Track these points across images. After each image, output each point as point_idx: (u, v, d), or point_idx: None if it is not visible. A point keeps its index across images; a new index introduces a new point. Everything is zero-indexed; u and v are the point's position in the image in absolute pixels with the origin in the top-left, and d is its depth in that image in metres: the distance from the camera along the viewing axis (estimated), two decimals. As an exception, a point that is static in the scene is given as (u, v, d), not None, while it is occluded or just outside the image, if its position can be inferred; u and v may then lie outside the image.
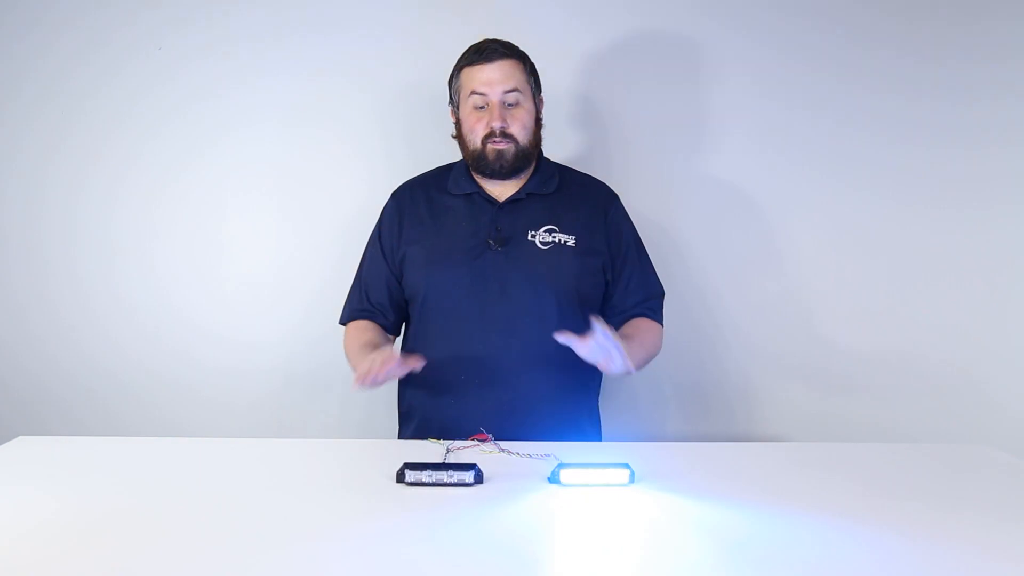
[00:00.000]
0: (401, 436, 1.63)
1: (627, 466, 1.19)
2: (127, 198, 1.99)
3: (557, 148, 1.80)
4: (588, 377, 1.61)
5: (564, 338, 1.31)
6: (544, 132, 1.61)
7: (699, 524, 1.04)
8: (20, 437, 1.39)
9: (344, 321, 1.63)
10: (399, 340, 1.66)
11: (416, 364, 1.36)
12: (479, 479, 1.16)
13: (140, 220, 1.99)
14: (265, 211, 2.00)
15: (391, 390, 1.62)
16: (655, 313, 1.62)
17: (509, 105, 1.50)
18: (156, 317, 2.01)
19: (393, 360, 1.31)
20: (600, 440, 1.64)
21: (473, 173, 1.58)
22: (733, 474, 1.24)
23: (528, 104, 1.53)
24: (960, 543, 0.99)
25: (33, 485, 1.16)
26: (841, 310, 2.01)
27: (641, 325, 1.58)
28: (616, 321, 1.61)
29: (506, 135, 1.50)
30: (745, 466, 1.28)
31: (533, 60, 1.57)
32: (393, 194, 1.65)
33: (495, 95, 1.49)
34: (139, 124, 1.96)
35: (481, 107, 1.51)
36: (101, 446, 1.36)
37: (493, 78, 1.49)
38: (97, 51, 1.94)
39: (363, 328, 1.58)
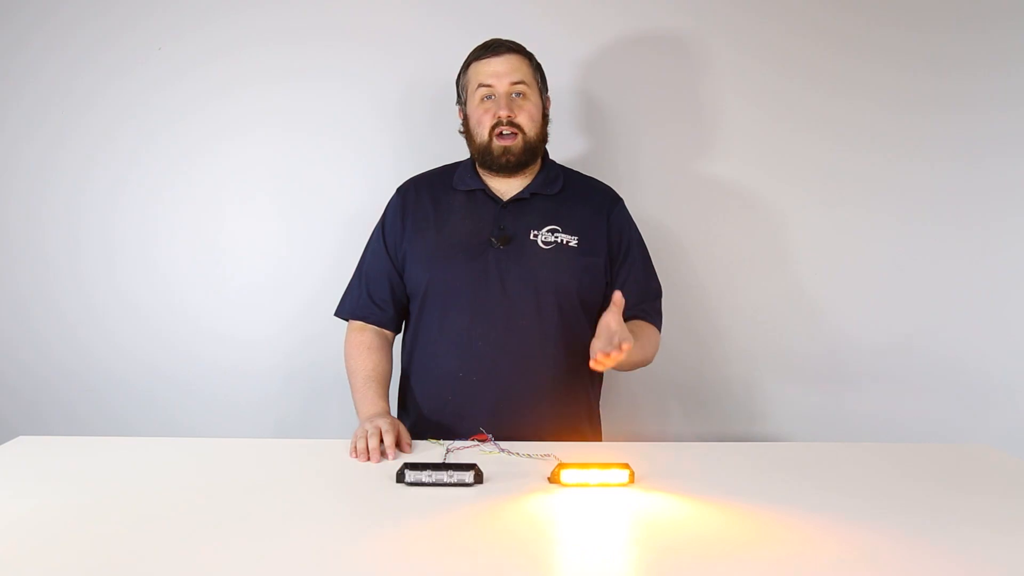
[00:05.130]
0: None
1: (627, 466, 1.19)
2: (130, 198, 2.00)
3: (560, 150, 1.80)
4: (588, 377, 1.61)
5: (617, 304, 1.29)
6: (548, 134, 1.61)
7: (699, 524, 1.04)
8: (20, 437, 1.39)
9: (345, 316, 1.63)
10: (399, 337, 1.66)
11: (405, 448, 1.34)
12: (479, 479, 1.16)
13: (142, 219, 2.00)
14: (267, 210, 2.00)
15: (392, 385, 1.62)
16: (652, 316, 1.61)
17: (516, 96, 1.51)
18: (158, 315, 2.02)
19: (391, 451, 1.29)
20: (600, 440, 1.64)
21: (479, 169, 1.58)
22: (733, 474, 1.24)
23: (535, 98, 1.54)
24: (960, 543, 0.99)
25: (33, 485, 1.16)
26: (841, 310, 2.01)
27: (643, 329, 1.57)
28: None
29: (513, 125, 1.50)
30: (745, 466, 1.28)
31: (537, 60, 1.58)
32: (398, 190, 1.65)
33: (502, 86, 1.50)
34: (141, 125, 1.97)
35: (488, 98, 1.51)
36: (101, 446, 1.36)
37: (500, 70, 1.50)
38: (101, 54, 1.96)
39: (368, 343, 1.56)
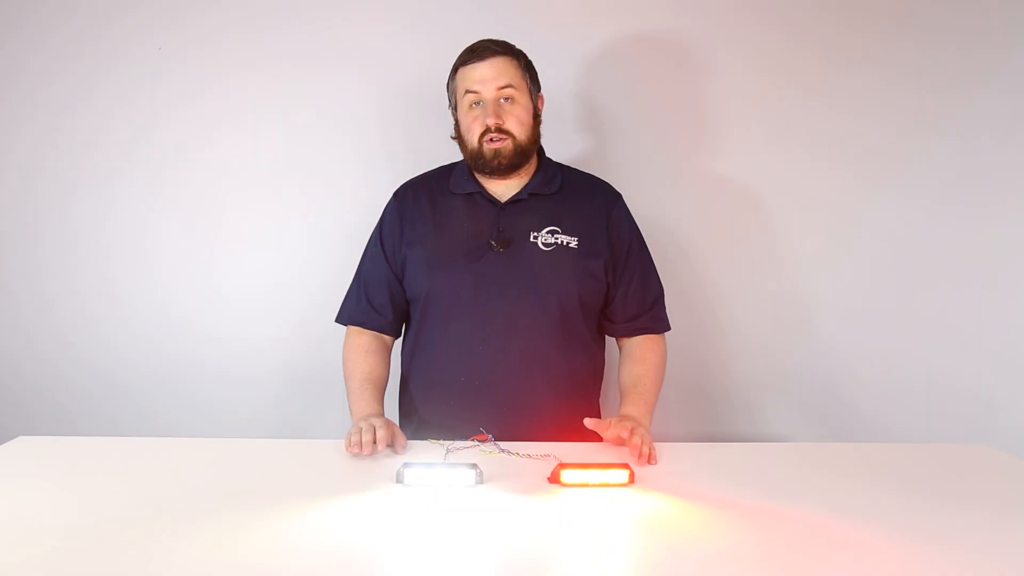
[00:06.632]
0: (401, 437, 1.63)
1: (627, 466, 1.19)
2: (123, 197, 1.98)
3: (561, 149, 1.80)
4: (588, 378, 1.61)
5: (591, 423, 1.37)
6: (548, 133, 1.60)
7: (699, 524, 1.04)
8: (20, 437, 1.39)
9: (344, 322, 1.62)
10: (399, 342, 1.66)
11: (399, 450, 1.34)
12: (479, 479, 1.16)
13: (136, 220, 1.99)
14: (263, 212, 1.99)
15: (392, 391, 1.62)
16: (657, 322, 1.61)
17: (504, 100, 1.50)
18: (152, 319, 2.01)
19: (381, 443, 1.30)
20: (600, 440, 1.63)
21: (474, 172, 1.58)
22: (733, 474, 1.24)
23: (524, 100, 1.52)
24: (960, 543, 0.99)
25: (33, 485, 1.16)
26: (843, 310, 2.01)
27: (648, 355, 1.58)
28: (618, 332, 1.61)
29: (502, 131, 1.49)
30: (745, 466, 1.28)
31: (535, 60, 1.57)
32: (395, 194, 1.64)
33: (489, 92, 1.49)
34: (134, 121, 1.95)
35: (476, 104, 1.51)
36: (101, 446, 1.36)
37: (486, 76, 1.49)
38: (93, 44, 1.92)
39: (365, 347, 1.56)
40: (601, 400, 1.68)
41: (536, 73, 1.57)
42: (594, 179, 1.66)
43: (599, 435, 1.48)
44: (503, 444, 1.35)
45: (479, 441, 1.37)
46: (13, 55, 1.94)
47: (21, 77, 1.95)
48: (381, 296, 1.59)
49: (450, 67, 1.57)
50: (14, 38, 1.93)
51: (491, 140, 1.49)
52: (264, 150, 1.97)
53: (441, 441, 1.39)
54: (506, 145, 1.50)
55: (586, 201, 1.59)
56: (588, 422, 1.36)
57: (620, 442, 1.31)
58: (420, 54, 1.92)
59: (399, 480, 1.16)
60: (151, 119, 1.96)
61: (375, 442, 1.29)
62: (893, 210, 1.98)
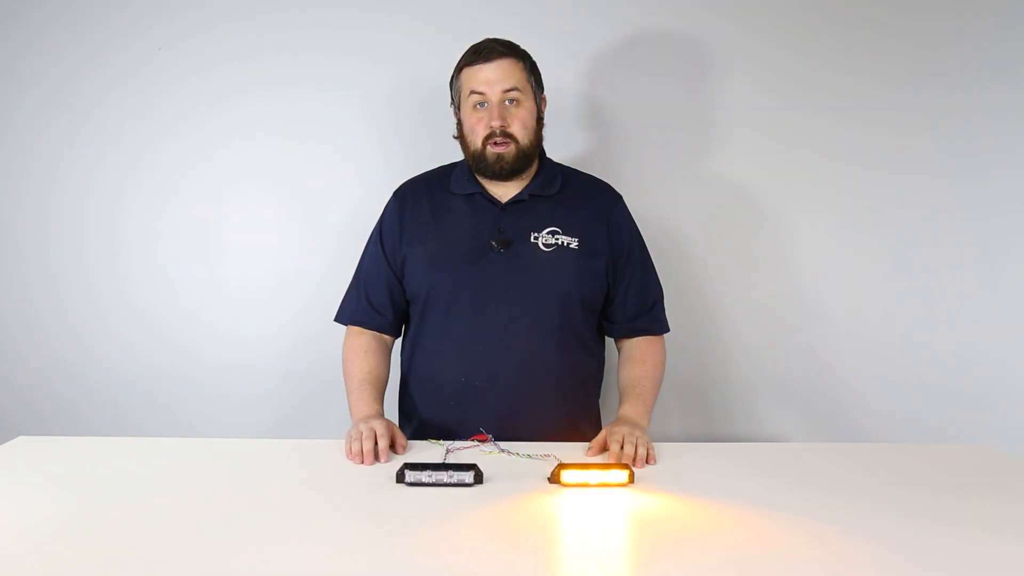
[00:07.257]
0: (401, 437, 1.63)
1: (627, 466, 1.19)
2: (133, 200, 2.01)
3: (562, 148, 1.80)
4: (588, 378, 1.61)
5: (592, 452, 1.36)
6: (549, 133, 1.60)
7: (699, 524, 1.04)
8: (20, 437, 1.39)
9: (344, 321, 1.62)
10: (399, 341, 1.66)
11: (399, 450, 1.34)
12: (479, 479, 1.16)
13: (145, 221, 2.02)
14: (266, 211, 2.01)
15: (392, 391, 1.62)
16: (656, 323, 1.62)
17: (509, 103, 1.49)
18: (160, 315, 2.03)
19: (384, 454, 1.29)
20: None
21: (475, 174, 1.58)
22: (733, 474, 1.24)
23: (528, 103, 1.52)
24: (960, 543, 0.99)
25: (33, 485, 1.16)
26: (842, 310, 2.01)
27: (647, 356, 1.58)
28: (617, 333, 1.62)
29: (506, 134, 1.49)
30: (744, 467, 1.28)
31: (537, 60, 1.56)
32: (395, 193, 1.64)
33: (494, 95, 1.48)
34: (145, 129, 2.00)
35: (481, 106, 1.50)
36: (101, 446, 1.36)
37: (492, 77, 1.48)
38: (104, 59, 1.98)
39: (365, 347, 1.56)
40: (601, 400, 1.68)
41: (540, 74, 1.57)
42: (595, 180, 1.66)
43: (598, 432, 1.49)
44: (503, 444, 1.35)
45: (479, 441, 1.37)
46: (30, 65, 1.99)
47: (37, 86, 2.00)
48: (381, 296, 1.59)
49: (451, 66, 1.56)
50: (31, 50, 1.98)
51: (495, 144, 1.49)
52: (265, 155, 1.99)
53: (441, 441, 1.39)
54: (509, 150, 1.49)
55: (587, 202, 1.59)
56: (589, 451, 1.36)
57: (617, 457, 1.30)
58: (421, 53, 1.93)
59: (399, 480, 1.16)
60: (161, 127, 2.00)
61: (376, 450, 1.29)
62: (893, 210, 1.98)
